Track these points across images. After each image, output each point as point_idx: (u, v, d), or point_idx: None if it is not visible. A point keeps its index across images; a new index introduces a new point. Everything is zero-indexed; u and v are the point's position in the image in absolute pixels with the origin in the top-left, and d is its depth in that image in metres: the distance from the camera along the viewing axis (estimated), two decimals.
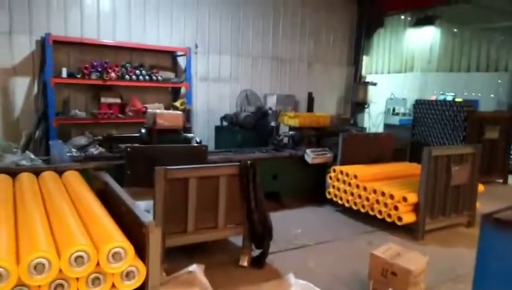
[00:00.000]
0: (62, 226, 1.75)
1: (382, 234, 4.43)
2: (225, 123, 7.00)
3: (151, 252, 1.74)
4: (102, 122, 6.13)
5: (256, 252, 3.76)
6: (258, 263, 3.70)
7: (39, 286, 1.50)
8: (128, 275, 1.69)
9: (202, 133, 6.64)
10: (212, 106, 7.64)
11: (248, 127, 6.46)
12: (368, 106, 9.04)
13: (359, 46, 9.47)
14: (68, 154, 4.65)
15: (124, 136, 4.83)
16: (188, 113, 5.47)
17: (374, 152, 5.43)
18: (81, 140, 5.85)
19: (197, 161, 4.12)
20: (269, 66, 8.44)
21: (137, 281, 1.71)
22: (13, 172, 2.60)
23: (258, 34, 8.17)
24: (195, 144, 4.86)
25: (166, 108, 6.53)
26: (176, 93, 7.14)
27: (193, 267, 2.99)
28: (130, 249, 1.65)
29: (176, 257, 3.56)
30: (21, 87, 6.10)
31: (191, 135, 5.04)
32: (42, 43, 5.94)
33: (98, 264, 1.59)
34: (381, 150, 5.53)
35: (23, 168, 2.91)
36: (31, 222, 1.77)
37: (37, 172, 2.61)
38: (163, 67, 6.96)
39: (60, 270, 1.52)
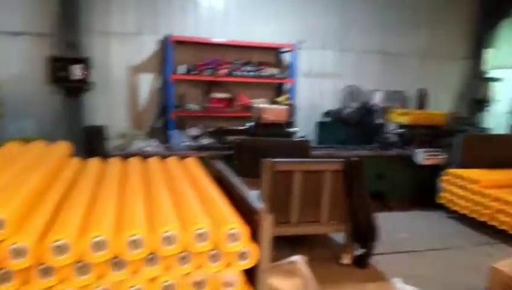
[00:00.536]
0: (186, 205, 1.93)
1: (504, 247, 3.96)
2: (327, 119, 6.92)
3: (263, 237, 1.83)
4: (213, 116, 6.57)
5: (359, 251, 3.67)
6: (361, 262, 3.60)
7: (166, 257, 1.69)
8: (242, 256, 1.80)
9: (304, 128, 6.65)
10: (315, 101, 7.59)
11: (351, 124, 6.31)
12: (491, 104, 8.07)
13: (480, 37, 8.47)
14: (184, 143, 5.11)
15: (233, 129, 5.12)
16: (291, 108, 5.54)
17: (499, 156, 4.85)
18: (194, 131, 6.37)
19: (300, 154, 4.18)
20: (375, 60, 8.04)
21: (250, 262, 1.81)
22: (142, 156, 2.95)
23: (364, 28, 7.84)
24: (299, 138, 4.92)
25: (270, 103, 6.70)
26: (279, 88, 7.28)
27: (296, 258, 3.04)
28: (246, 231, 1.75)
29: (278, 247, 3.67)
30: (145, 83, 6.84)
31: (294, 129, 5.11)
32: (163, 43, 6.58)
33: (216, 242, 1.73)
34: (508, 153, 4.91)
35: (150, 153, 3.27)
36: (160, 199, 1.99)
37: (162, 157, 2.92)
38: (269, 63, 7.15)
39: (185, 244, 1.69)
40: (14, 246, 1.47)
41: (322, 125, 7.02)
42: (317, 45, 7.59)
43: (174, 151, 4.47)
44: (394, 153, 5.31)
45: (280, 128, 4.90)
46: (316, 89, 7.68)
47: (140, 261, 1.67)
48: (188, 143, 5.18)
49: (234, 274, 1.79)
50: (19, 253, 1.47)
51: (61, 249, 1.52)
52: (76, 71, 5.80)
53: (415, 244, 3.97)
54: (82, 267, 1.60)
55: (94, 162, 2.64)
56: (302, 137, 5.09)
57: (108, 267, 1.64)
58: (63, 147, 2.63)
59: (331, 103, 7.54)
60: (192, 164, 2.71)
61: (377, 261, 3.61)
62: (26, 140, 2.63)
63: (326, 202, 3.61)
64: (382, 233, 3.63)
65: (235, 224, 1.75)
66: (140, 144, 4.86)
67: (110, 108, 6.66)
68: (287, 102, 6.51)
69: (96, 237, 1.57)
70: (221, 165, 2.69)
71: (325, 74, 7.75)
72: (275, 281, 3.04)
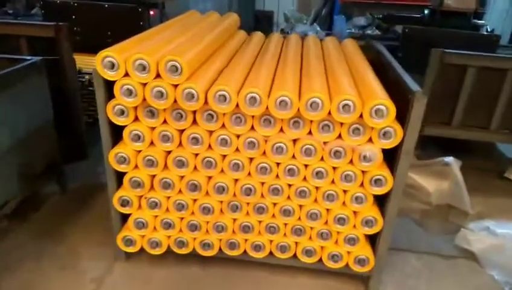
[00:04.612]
0: (336, 78, 1.94)
1: None
2: None
3: (412, 118, 1.73)
4: (385, 3, 5.99)
5: None
6: None
7: (311, 121, 1.79)
8: (385, 134, 1.77)
9: (497, 22, 5.50)
10: None
11: None
12: None
13: None
14: (347, 30, 4.89)
15: (405, 16, 4.60)
16: None
17: None
18: (361, 20, 5.97)
19: (482, 52, 3.54)
20: None
21: (393, 142, 1.78)
22: (302, 38, 2.97)
23: None
24: (484, 33, 4.13)
25: None
26: None
27: (450, 160, 2.83)
28: (393, 109, 1.69)
29: (431, 149, 3.44)
30: None
31: (482, 22, 4.27)
32: None
33: (360, 116, 1.73)
34: None
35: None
36: (311, 69, 2.04)
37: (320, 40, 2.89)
38: None
39: (329, 113, 1.74)
40: (187, 90, 1.75)
41: None
42: None
43: (335, 36, 4.34)
44: None
45: (463, 19, 4.15)
46: None
47: (286, 122, 1.81)
48: (351, 31, 4.93)
49: (373, 150, 1.80)
50: (190, 97, 1.76)
51: (223, 99, 1.75)
52: None
53: None
54: (237, 118, 1.83)
55: (258, 35, 2.81)
56: (490, 32, 4.25)
57: (259, 122, 1.84)
58: (233, 18, 2.84)
59: None
60: (350, 43, 2.62)
61: None
62: None
63: (502, 106, 3.11)
64: None
65: (383, 100, 1.69)
66: (302, 28, 4.86)
67: None
68: None
69: (251, 92, 1.74)
70: (381, 47, 2.52)
71: None
72: (420, 179, 2.95)
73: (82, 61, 3.62)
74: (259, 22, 6.52)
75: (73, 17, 4.24)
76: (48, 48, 2.99)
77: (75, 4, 4.22)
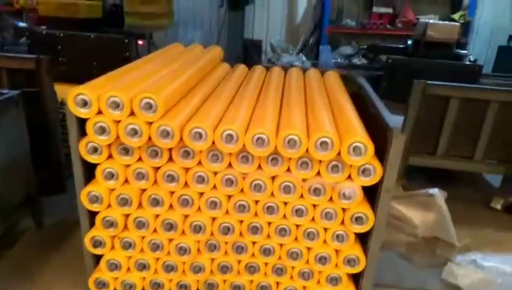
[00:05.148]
0: (313, 113, 1.92)
1: None
2: None
3: (391, 156, 1.70)
4: (370, 33, 6.11)
5: None
6: None
7: (289, 158, 1.75)
8: (364, 172, 1.74)
9: (480, 53, 5.62)
10: (501, 21, 6.22)
11: None
12: None
13: None
14: (333, 60, 4.95)
15: (388, 46, 4.67)
16: (466, 27, 4.67)
17: None
18: (347, 50, 6.08)
19: (465, 82, 3.59)
20: None
21: (373, 180, 1.74)
22: (286, 68, 2.98)
23: None
24: (467, 63, 4.20)
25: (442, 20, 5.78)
26: (456, 4, 6.17)
27: (434, 191, 2.80)
28: (371, 146, 1.66)
29: (417, 178, 3.43)
30: None
31: (465, 52, 4.35)
32: None
33: (339, 154, 1.69)
34: None
35: (295, 66, 3.28)
36: (290, 104, 2.02)
37: (304, 70, 2.89)
38: None
39: (307, 151, 1.70)
40: (162, 128, 1.71)
41: (504, 52, 5.78)
42: None
43: (321, 67, 4.38)
44: None
45: (446, 50, 4.22)
46: (506, 4, 6.22)
47: (264, 159, 1.77)
48: (337, 61, 4.99)
49: (353, 187, 1.75)
50: (165, 134, 1.72)
51: (198, 136, 1.71)
52: None
53: None
54: (214, 156, 1.79)
55: (241, 67, 2.81)
56: (472, 62, 4.32)
57: (236, 159, 1.79)
58: (216, 50, 2.85)
59: None
60: (332, 76, 2.62)
61: None
62: None
63: (485, 137, 3.11)
64: None
65: (361, 137, 1.66)
66: (289, 59, 4.91)
67: (268, 22, 6.83)
68: (463, 19, 5.51)
69: (227, 130, 1.70)
70: (363, 80, 2.52)
71: None
72: (405, 209, 2.91)
73: (66, 91, 3.58)
74: (248, 51, 6.60)
75: (59, 47, 4.25)
76: (29, 80, 2.97)
77: (61, 35, 4.23)
